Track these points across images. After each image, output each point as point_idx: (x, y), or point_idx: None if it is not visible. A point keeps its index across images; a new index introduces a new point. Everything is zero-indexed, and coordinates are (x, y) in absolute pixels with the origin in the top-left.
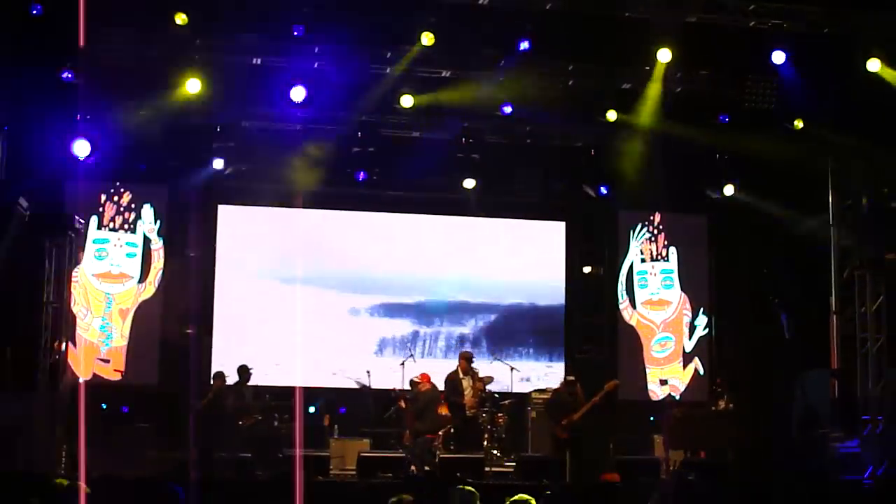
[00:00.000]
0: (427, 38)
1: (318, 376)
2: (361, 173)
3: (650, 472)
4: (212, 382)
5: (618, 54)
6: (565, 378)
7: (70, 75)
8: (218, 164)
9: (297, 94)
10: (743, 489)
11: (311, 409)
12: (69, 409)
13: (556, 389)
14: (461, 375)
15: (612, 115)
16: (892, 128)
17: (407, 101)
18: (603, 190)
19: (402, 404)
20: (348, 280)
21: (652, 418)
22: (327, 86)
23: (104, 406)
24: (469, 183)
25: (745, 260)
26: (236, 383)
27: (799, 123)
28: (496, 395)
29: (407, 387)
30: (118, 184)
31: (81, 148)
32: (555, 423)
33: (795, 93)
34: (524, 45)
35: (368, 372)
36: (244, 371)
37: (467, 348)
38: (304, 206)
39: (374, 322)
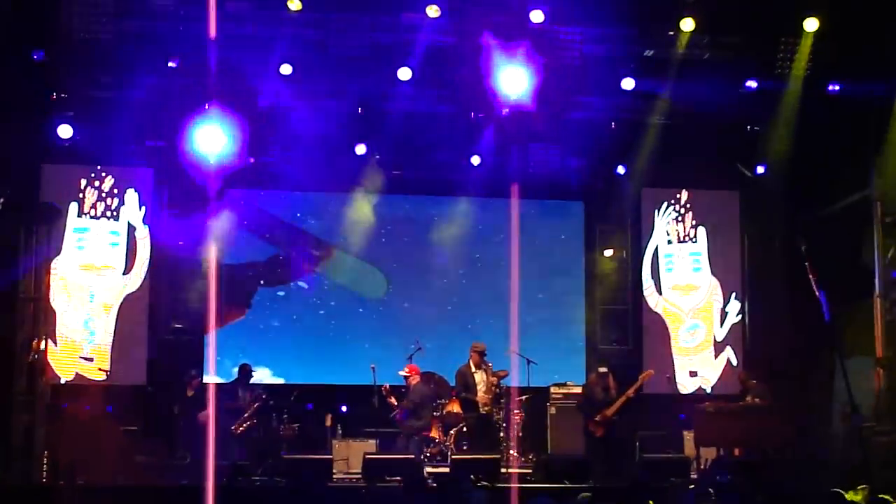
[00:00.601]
0: (433, 11)
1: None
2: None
3: (680, 472)
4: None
5: (640, 20)
6: (597, 370)
7: (41, 55)
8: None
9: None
10: (780, 489)
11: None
12: (49, 412)
13: (586, 383)
14: (473, 369)
15: (629, 84)
16: None
17: (405, 73)
18: (620, 169)
19: (393, 401)
20: (351, 268)
21: (682, 416)
22: (325, 57)
23: (87, 408)
24: (477, 160)
25: (781, 240)
26: (233, 381)
27: (835, 89)
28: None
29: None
30: (99, 167)
31: (63, 129)
32: (588, 418)
33: (830, 57)
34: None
35: (373, 367)
36: (244, 370)
37: (479, 340)
38: (301, 189)
39: (379, 312)
